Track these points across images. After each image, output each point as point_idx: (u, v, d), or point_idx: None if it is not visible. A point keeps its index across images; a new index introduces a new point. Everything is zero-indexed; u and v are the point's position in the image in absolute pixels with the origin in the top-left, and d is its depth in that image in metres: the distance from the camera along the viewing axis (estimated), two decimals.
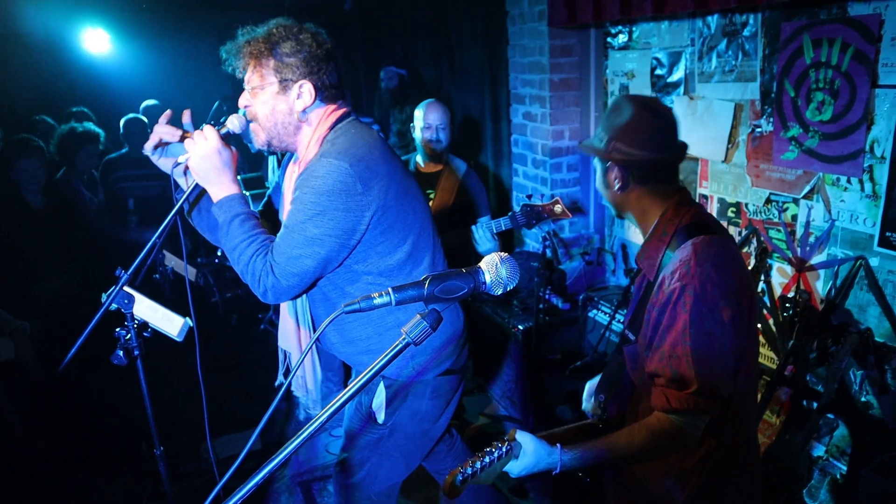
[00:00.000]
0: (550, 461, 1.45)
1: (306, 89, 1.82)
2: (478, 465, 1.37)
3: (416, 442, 2.15)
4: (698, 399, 1.43)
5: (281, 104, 1.84)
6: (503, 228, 2.97)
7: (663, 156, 1.59)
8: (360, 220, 1.79)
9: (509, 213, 2.98)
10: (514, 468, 1.44)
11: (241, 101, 1.89)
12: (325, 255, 1.79)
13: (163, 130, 1.87)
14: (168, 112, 1.94)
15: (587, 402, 1.92)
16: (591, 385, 1.94)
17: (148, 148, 1.90)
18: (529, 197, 3.00)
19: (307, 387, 2.25)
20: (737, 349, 1.45)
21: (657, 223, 1.60)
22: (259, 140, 1.91)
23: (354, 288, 1.93)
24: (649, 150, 1.57)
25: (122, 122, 4.98)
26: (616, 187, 1.61)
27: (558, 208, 2.92)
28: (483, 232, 2.96)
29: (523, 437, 1.45)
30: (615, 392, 1.72)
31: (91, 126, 4.49)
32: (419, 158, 3.46)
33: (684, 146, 1.63)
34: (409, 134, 3.60)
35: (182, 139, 1.86)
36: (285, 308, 2.22)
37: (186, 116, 1.95)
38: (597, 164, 1.67)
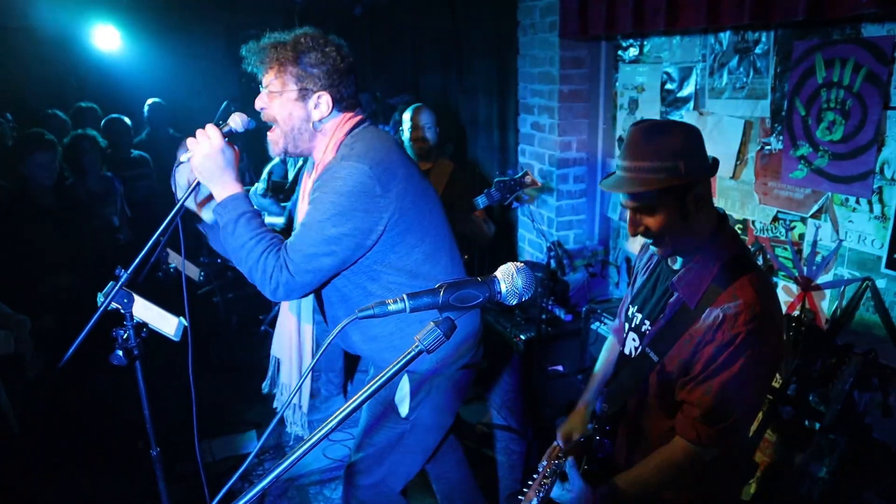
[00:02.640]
0: (589, 498, 1.48)
1: (324, 100, 1.86)
2: (541, 495, 1.42)
3: (434, 436, 2.19)
4: (726, 433, 1.48)
5: (298, 111, 1.86)
6: (480, 206, 3.15)
7: (714, 162, 1.55)
8: (379, 221, 1.81)
9: (485, 191, 3.14)
10: (561, 497, 1.48)
11: (258, 103, 1.91)
12: (342, 255, 1.81)
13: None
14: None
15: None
16: (588, 399, 1.95)
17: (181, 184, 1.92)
18: (502, 173, 3.13)
19: (301, 398, 2.24)
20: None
21: (704, 251, 1.55)
22: (276, 148, 1.92)
23: (376, 286, 1.95)
24: (708, 159, 1.55)
25: (102, 123, 4.92)
26: (699, 211, 1.51)
27: (528, 179, 3.11)
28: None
29: (571, 473, 1.49)
30: (622, 405, 1.71)
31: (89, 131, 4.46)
32: None
33: None
34: (398, 138, 3.78)
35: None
36: (285, 308, 2.22)
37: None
38: (663, 200, 1.47)
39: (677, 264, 1.66)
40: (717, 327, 1.47)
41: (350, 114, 1.94)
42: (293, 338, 2.19)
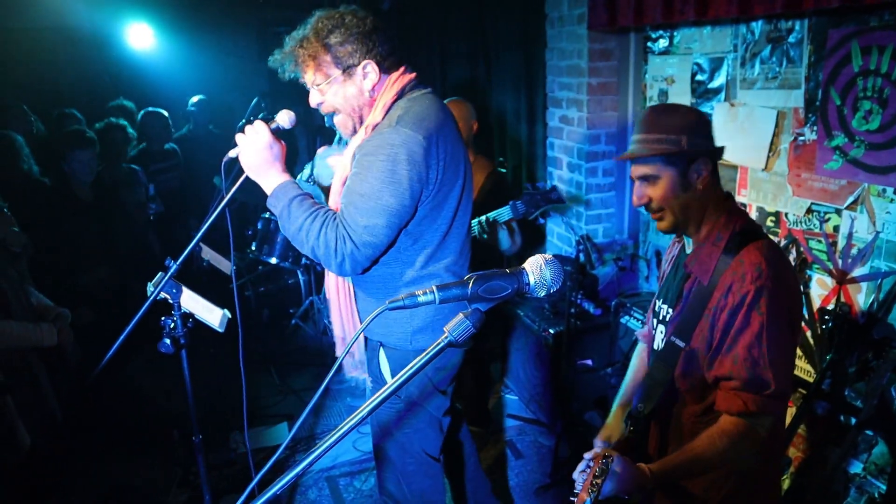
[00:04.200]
0: (641, 481, 1.43)
1: (370, 67, 1.88)
2: (594, 494, 1.36)
3: (431, 409, 2.18)
4: (774, 401, 1.47)
5: (350, 89, 1.90)
6: (505, 219, 3.03)
7: (720, 148, 1.62)
8: (423, 191, 1.85)
9: (509, 203, 3.02)
10: (609, 488, 1.40)
11: (312, 102, 1.95)
12: (398, 223, 1.84)
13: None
14: None
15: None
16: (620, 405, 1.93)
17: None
18: (531, 178, 3.05)
19: (355, 359, 2.27)
20: (796, 349, 1.50)
21: (712, 228, 1.61)
22: (347, 130, 1.98)
23: (387, 255, 1.94)
24: (714, 143, 1.61)
25: (139, 117, 5.03)
26: (701, 186, 1.58)
27: (555, 195, 3.03)
28: (481, 226, 3.01)
29: (618, 460, 1.44)
30: (659, 401, 1.70)
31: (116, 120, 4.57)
32: None
33: None
34: None
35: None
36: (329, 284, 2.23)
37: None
38: (663, 170, 1.58)
39: (690, 248, 1.68)
40: (727, 292, 1.50)
41: (397, 73, 1.95)
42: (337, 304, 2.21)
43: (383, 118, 1.89)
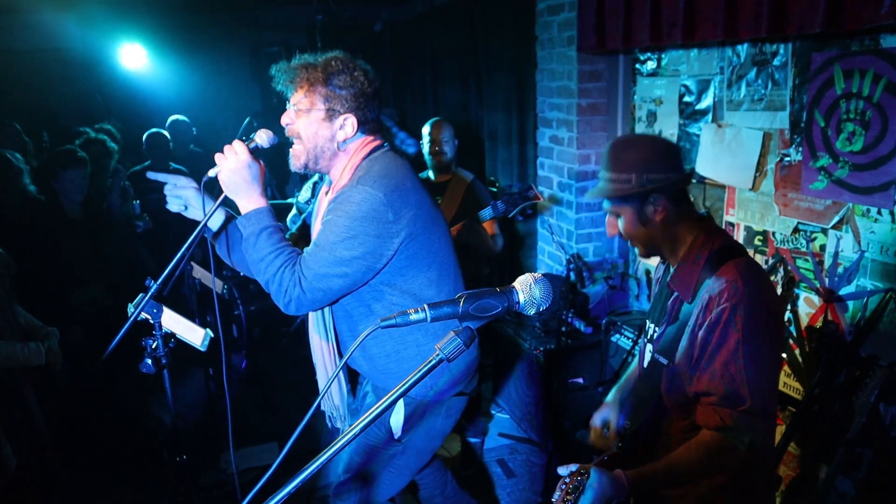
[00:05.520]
0: (618, 488, 1.45)
1: (350, 122, 1.92)
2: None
3: (423, 458, 2.24)
4: (753, 417, 1.47)
5: (324, 130, 1.92)
6: (486, 218, 3.28)
7: (687, 172, 1.66)
8: (389, 246, 1.87)
9: (490, 203, 3.27)
10: (587, 499, 1.43)
11: (284, 119, 1.97)
12: (353, 277, 1.87)
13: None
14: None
15: (594, 431, 1.94)
16: (603, 415, 1.95)
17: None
18: (510, 187, 3.18)
19: (334, 402, 2.30)
20: (780, 364, 1.49)
21: (689, 249, 1.63)
22: (298, 162, 1.99)
23: (379, 306, 2.00)
24: (678, 170, 1.64)
25: (144, 137, 5.11)
26: (658, 219, 1.62)
27: (531, 193, 3.22)
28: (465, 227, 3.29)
29: (593, 472, 1.46)
30: (645, 419, 1.71)
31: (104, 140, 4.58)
32: (430, 173, 3.75)
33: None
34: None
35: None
36: (312, 323, 2.27)
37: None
38: (621, 208, 1.65)
39: (673, 268, 1.71)
40: (705, 309, 1.52)
41: (370, 137, 2.00)
42: (321, 347, 2.24)
43: (350, 180, 1.93)
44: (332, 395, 2.27)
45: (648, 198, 1.60)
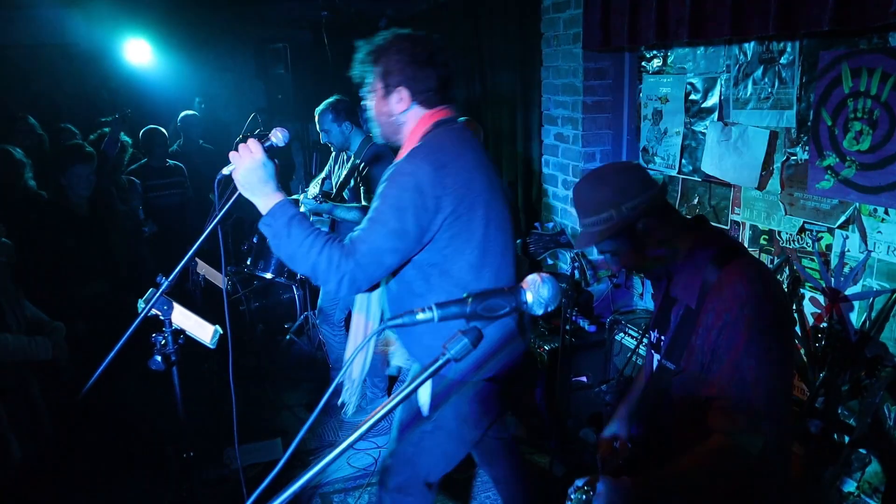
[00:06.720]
0: (625, 495, 1.43)
1: (404, 95, 1.97)
2: None
3: (455, 444, 2.20)
4: (761, 419, 1.45)
5: (384, 106, 2.01)
6: None
7: (660, 184, 1.64)
8: (433, 220, 1.88)
9: (518, 241, 3.06)
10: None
11: (366, 103, 2.08)
12: (403, 249, 1.88)
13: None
14: None
15: (602, 443, 1.92)
16: (612, 428, 1.94)
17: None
18: (541, 226, 3.02)
19: (351, 376, 2.30)
20: (792, 363, 1.48)
21: (688, 254, 1.62)
22: (378, 133, 2.10)
23: (423, 286, 2.00)
24: (652, 187, 1.63)
25: (140, 134, 5.11)
26: (653, 238, 1.61)
27: (564, 239, 3.07)
28: None
29: (601, 482, 1.44)
30: (656, 425, 1.70)
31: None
32: None
33: None
34: None
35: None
36: (356, 304, 2.26)
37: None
38: (615, 246, 1.64)
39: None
40: (712, 312, 1.51)
41: (433, 110, 2.02)
42: (366, 327, 2.26)
43: (408, 151, 1.97)
44: (352, 370, 2.28)
45: (636, 225, 1.59)
